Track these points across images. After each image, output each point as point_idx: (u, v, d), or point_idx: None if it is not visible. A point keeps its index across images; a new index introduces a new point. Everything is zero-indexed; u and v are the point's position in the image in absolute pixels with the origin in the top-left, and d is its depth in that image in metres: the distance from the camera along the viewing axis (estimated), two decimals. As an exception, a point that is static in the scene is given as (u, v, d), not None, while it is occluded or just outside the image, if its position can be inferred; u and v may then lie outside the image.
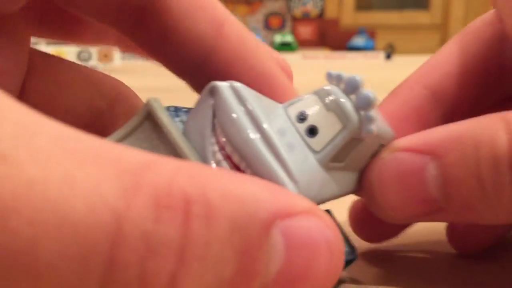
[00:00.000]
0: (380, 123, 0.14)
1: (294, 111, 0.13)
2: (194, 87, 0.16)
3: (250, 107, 0.12)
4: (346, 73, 0.13)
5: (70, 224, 0.07)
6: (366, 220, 0.17)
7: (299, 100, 0.13)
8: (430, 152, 0.13)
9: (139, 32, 0.15)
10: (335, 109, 0.13)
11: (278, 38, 1.69)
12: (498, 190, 0.12)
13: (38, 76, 0.16)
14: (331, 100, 0.13)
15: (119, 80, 0.18)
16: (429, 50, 2.09)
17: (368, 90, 0.13)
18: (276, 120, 0.13)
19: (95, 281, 0.07)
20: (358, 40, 1.73)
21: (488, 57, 0.17)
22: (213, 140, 0.12)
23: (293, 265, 0.09)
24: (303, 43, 1.87)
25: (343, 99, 0.13)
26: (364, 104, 0.13)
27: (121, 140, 0.13)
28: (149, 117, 0.13)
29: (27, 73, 0.16)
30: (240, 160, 0.12)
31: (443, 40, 2.25)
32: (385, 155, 0.14)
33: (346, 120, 0.13)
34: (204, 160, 0.12)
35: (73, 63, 0.17)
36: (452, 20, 2.23)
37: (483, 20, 0.17)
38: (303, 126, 0.13)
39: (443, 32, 2.24)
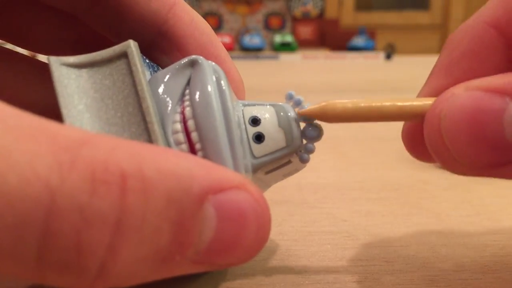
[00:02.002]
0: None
1: (249, 112, 0.14)
2: (151, 57, 0.16)
3: (223, 88, 0.13)
4: (306, 102, 0.15)
5: (3, 196, 0.08)
6: (419, 135, 0.15)
7: (256, 105, 0.15)
8: None
9: (95, 11, 0.15)
10: (286, 128, 0.14)
11: (278, 38, 1.69)
12: None
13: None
14: (285, 119, 0.14)
15: None
16: (429, 50, 2.09)
17: (317, 125, 0.15)
18: (236, 112, 0.14)
19: (31, 249, 0.08)
20: (358, 40, 1.73)
21: None
22: (178, 108, 0.13)
23: (223, 235, 0.10)
24: (303, 43, 1.87)
25: (295, 124, 0.14)
26: (311, 137, 0.15)
27: (87, 65, 0.12)
28: (123, 58, 0.13)
29: None
30: (198, 140, 0.12)
31: (443, 40, 2.24)
32: (459, 91, 0.12)
33: (291, 142, 0.14)
34: (162, 122, 0.12)
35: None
36: (452, 20, 2.23)
37: None
38: (252, 130, 0.14)
39: (443, 32, 2.24)
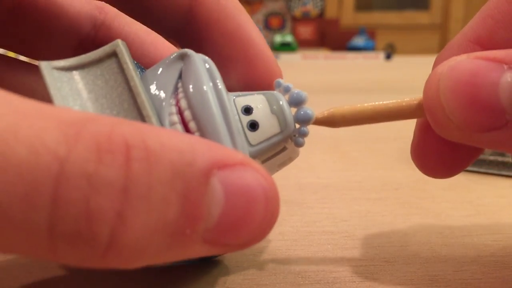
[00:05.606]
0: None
1: (241, 102, 0.14)
2: (181, 46, 0.17)
3: (216, 77, 0.13)
4: (294, 88, 0.15)
5: (14, 167, 0.08)
6: (428, 150, 0.16)
7: (247, 95, 0.15)
8: (510, 62, 0.12)
9: (128, 2, 0.16)
10: (279, 114, 0.14)
11: (278, 38, 1.69)
12: None
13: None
14: (277, 105, 0.14)
15: None
16: (429, 50, 2.09)
17: (308, 108, 0.15)
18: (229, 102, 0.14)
19: (42, 218, 0.08)
20: (358, 40, 1.73)
21: None
22: (172, 101, 0.13)
23: (232, 211, 0.10)
24: (303, 43, 1.87)
25: (287, 109, 0.15)
26: (303, 120, 0.15)
27: (77, 67, 0.13)
28: (113, 57, 0.13)
29: None
30: (196, 129, 0.12)
31: (443, 40, 2.25)
32: (461, 58, 0.13)
33: (285, 127, 0.14)
34: (159, 116, 0.13)
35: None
36: (452, 20, 2.23)
37: None
38: (246, 119, 0.14)
39: (443, 32, 2.24)
